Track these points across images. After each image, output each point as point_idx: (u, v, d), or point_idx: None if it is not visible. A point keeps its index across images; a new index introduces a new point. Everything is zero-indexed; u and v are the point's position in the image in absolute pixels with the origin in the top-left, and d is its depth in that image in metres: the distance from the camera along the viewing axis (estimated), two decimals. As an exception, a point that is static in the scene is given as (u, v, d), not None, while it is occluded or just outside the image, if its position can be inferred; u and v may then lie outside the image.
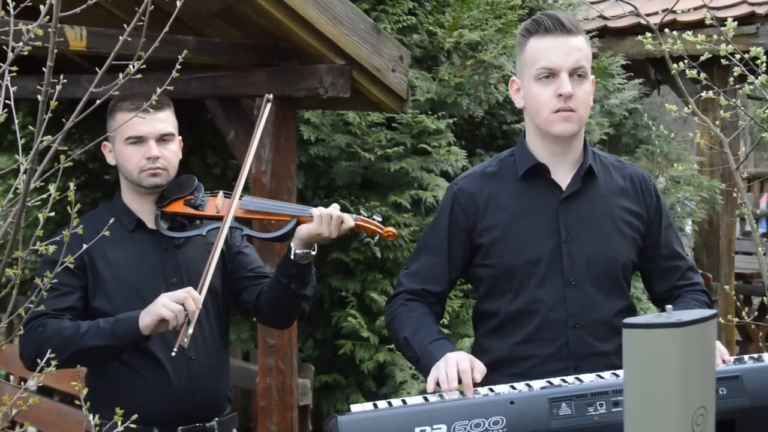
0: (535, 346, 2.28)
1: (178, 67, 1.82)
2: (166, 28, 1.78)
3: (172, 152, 2.58)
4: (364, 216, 2.58)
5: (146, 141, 2.53)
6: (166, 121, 2.56)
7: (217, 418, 2.62)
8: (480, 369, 2.12)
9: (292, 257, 2.51)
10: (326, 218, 2.46)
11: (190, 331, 2.33)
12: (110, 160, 2.62)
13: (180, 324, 2.35)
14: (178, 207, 2.58)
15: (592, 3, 5.67)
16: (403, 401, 2.00)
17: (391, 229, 2.59)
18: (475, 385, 2.09)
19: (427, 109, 4.65)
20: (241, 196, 2.56)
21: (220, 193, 2.60)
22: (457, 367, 2.10)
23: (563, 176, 2.34)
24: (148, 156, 2.52)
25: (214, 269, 2.43)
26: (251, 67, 3.72)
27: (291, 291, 2.55)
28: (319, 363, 4.45)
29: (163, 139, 2.55)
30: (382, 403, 1.99)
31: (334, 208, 2.49)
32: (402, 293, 2.38)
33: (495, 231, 2.31)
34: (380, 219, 2.61)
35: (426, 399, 2.02)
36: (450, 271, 2.38)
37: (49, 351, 1.96)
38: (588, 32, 5.65)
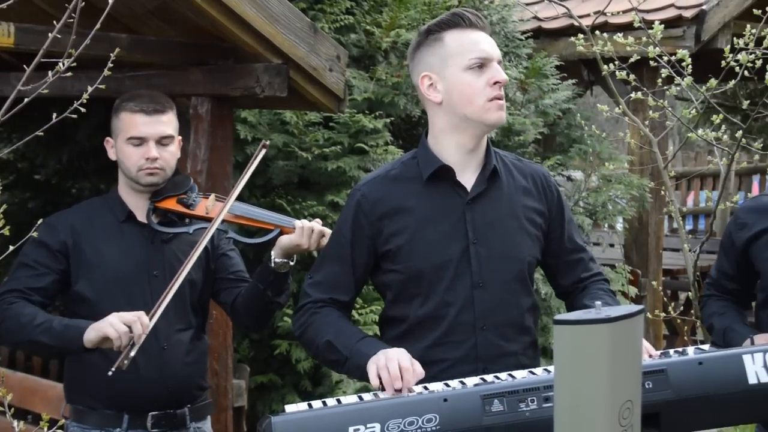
0: (443, 349, 2.26)
1: (110, 65, 1.80)
2: (98, 25, 1.76)
3: (171, 153, 2.68)
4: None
5: (146, 142, 2.63)
6: (167, 123, 2.67)
7: (189, 405, 2.72)
8: (419, 370, 2.12)
9: (271, 265, 2.59)
10: (308, 231, 2.54)
11: (132, 353, 2.39)
12: (111, 155, 2.72)
13: (123, 345, 2.39)
14: (171, 204, 2.68)
15: (527, 4, 5.75)
16: (338, 401, 2.01)
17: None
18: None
19: (364, 109, 4.66)
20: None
21: (212, 196, 2.71)
22: (398, 364, 2.10)
23: (468, 178, 2.32)
24: (146, 156, 2.62)
25: (185, 274, 2.51)
26: (186, 65, 3.69)
27: (266, 297, 2.65)
28: (255, 363, 4.43)
29: (162, 141, 2.66)
30: (316, 403, 1.99)
31: (317, 223, 2.57)
32: (309, 303, 2.35)
33: (402, 236, 2.29)
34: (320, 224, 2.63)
35: (360, 398, 2.03)
36: (355, 279, 2.36)
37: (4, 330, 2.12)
38: (523, 33, 5.75)
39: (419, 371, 2.11)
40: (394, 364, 2.09)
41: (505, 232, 2.32)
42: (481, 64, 2.27)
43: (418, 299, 2.29)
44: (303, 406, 1.99)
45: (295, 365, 4.31)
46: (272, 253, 2.59)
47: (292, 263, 2.62)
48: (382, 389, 2.08)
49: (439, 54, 2.31)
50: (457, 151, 2.32)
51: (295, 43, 3.51)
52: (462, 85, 2.28)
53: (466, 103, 2.28)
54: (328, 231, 2.55)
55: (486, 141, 2.36)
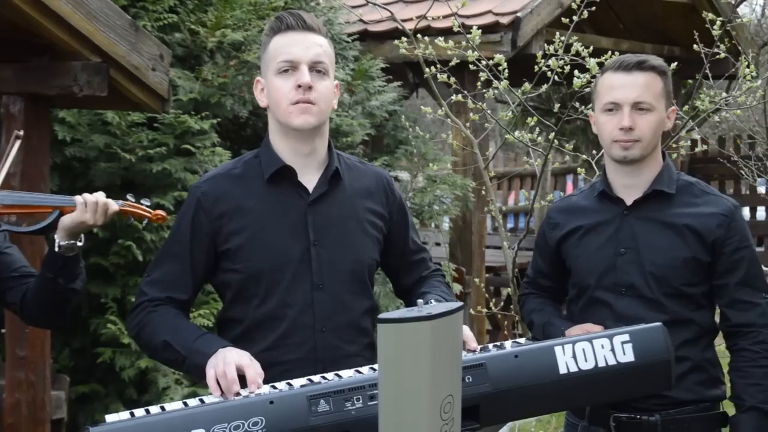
0: (282, 352, 2.26)
1: None
2: None
3: None
4: (131, 201, 2.51)
5: None
6: None
7: None
8: (260, 369, 2.11)
9: (57, 249, 2.40)
10: (91, 205, 2.36)
11: None
12: None
13: None
14: None
15: (353, 7, 5.81)
16: (162, 408, 1.96)
17: (160, 211, 2.52)
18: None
19: (190, 109, 4.58)
20: None
21: None
22: (236, 365, 2.08)
23: (310, 178, 2.33)
24: None
25: None
26: (-4, 62, 3.51)
27: (59, 286, 2.43)
28: (76, 373, 4.27)
29: None
30: (139, 411, 1.94)
31: (100, 195, 2.40)
32: (146, 302, 2.30)
33: (242, 235, 2.27)
34: (149, 203, 2.54)
35: (185, 404, 1.99)
36: (194, 278, 2.32)
37: None
38: (349, 35, 5.81)
39: (260, 370, 2.10)
40: (231, 368, 2.07)
41: (346, 234, 2.33)
42: (289, 68, 2.26)
43: (256, 299, 2.27)
44: (125, 414, 1.93)
45: (119, 373, 4.19)
46: (56, 236, 2.41)
47: (80, 244, 2.42)
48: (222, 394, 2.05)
49: (264, 59, 2.33)
50: (293, 153, 2.32)
51: (116, 41, 3.41)
52: (273, 90, 2.29)
53: (275, 107, 2.29)
54: (113, 203, 2.41)
55: (327, 142, 2.36)
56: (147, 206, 2.52)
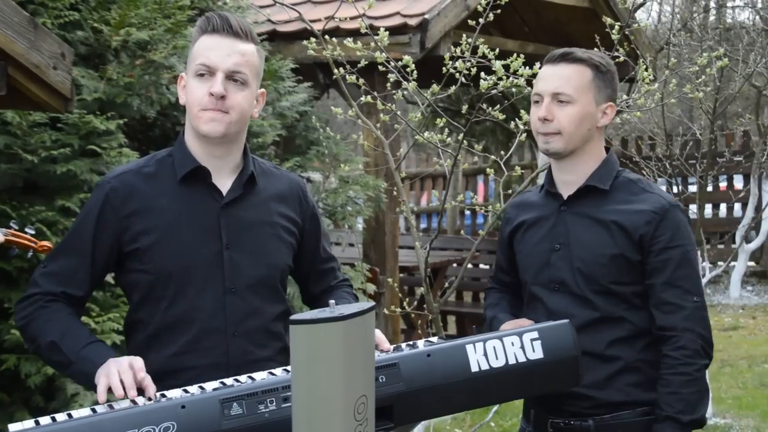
0: (193, 356, 2.23)
1: None
2: None
3: None
4: (15, 229, 2.43)
5: None
6: None
7: None
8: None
9: None
10: None
11: None
12: None
13: None
14: None
15: (261, 7, 5.76)
16: (69, 415, 1.92)
17: (45, 243, 2.46)
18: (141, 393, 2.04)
19: (95, 110, 4.47)
20: None
21: None
22: (133, 370, 2.05)
23: (224, 181, 2.31)
24: None
25: None
26: None
27: None
28: (-22, 381, 4.12)
29: None
30: (44, 419, 1.89)
31: None
32: (38, 295, 2.24)
33: (152, 235, 2.24)
34: (33, 232, 2.47)
35: (94, 411, 1.95)
36: (92, 275, 2.27)
37: None
38: (258, 35, 5.76)
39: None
40: (128, 375, 2.03)
41: (260, 239, 2.31)
42: (205, 73, 2.23)
43: (164, 302, 2.24)
44: (29, 423, 1.88)
45: (24, 380, 4.06)
46: None
47: None
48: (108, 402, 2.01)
49: (189, 56, 2.31)
50: (206, 154, 2.29)
51: (13, 39, 3.29)
52: (189, 92, 2.26)
53: (189, 108, 2.27)
54: None
55: (243, 146, 2.34)
56: (32, 235, 2.45)
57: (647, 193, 2.50)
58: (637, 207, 2.46)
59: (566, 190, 2.55)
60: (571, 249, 2.49)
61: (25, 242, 2.43)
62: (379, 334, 2.20)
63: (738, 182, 11.57)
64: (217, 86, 2.21)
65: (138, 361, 2.09)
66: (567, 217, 2.53)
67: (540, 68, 2.59)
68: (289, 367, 2.12)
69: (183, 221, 2.26)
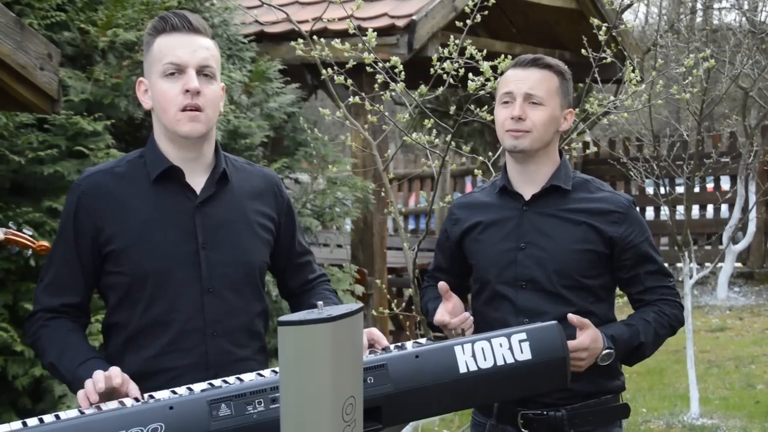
0: (172, 358, 2.21)
1: None
2: None
3: None
4: (14, 229, 2.43)
5: None
6: None
7: None
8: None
9: None
10: None
11: None
12: None
13: None
14: None
15: (248, 8, 5.75)
16: (57, 416, 1.91)
17: (44, 242, 2.46)
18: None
19: (82, 111, 4.46)
20: None
21: None
22: (111, 373, 2.05)
23: (197, 180, 2.28)
24: None
25: None
26: None
27: None
28: (-36, 384, 4.10)
29: None
30: (32, 421, 1.88)
31: None
32: (40, 312, 2.25)
33: (127, 236, 2.21)
34: (31, 233, 2.46)
35: (82, 412, 1.94)
36: (85, 279, 2.26)
37: None
38: (246, 36, 5.76)
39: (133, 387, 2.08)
40: (101, 383, 2.03)
41: (236, 237, 2.29)
42: (175, 71, 2.20)
43: (141, 304, 2.22)
44: (17, 425, 1.87)
45: (12, 382, 4.05)
46: None
47: None
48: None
49: (148, 60, 2.27)
50: (179, 154, 2.27)
51: (0, 40, 3.29)
52: (159, 94, 2.22)
53: (162, 112, 2.23)
54: None
55: (214, 144, 2.32)
56: (30, 236, 2.45)
57: (603, 192, 2.63)
58: (599, 206, 2.59)
59: (527, 190, 2.61)
60: (542, 246, 2.56)
61: (24, 242, 2.43)
62: (376, 332, 2.21)
63: (725, 183, 11.62)
64: (192, 82, 2.19)
65: (113, 370, 2.08)
66: (531, 216, 2.59)
67: (507, 71, 2.64)
68: (277, 368, 2.12)
69: (157, 222, 2.23)
